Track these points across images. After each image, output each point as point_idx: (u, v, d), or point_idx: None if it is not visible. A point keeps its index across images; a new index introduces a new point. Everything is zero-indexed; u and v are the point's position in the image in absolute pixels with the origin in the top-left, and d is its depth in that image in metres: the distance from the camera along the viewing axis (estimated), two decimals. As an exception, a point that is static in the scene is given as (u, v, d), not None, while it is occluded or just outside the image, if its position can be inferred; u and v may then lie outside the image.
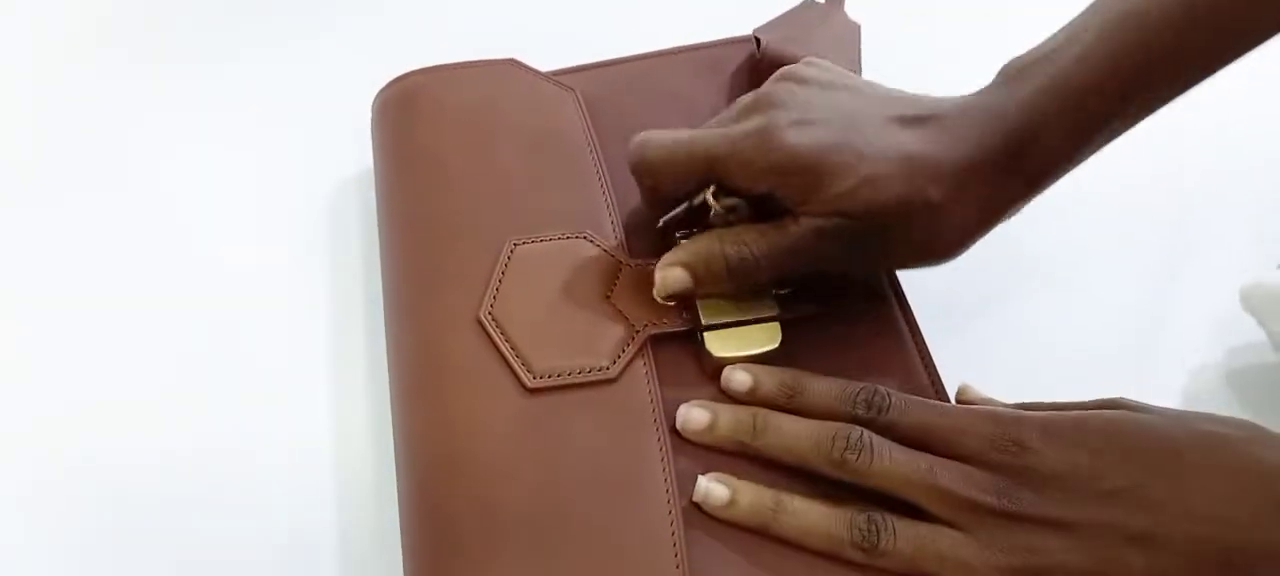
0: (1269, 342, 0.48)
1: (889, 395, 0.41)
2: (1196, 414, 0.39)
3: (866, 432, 0.39)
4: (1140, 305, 0.51)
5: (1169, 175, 0.57)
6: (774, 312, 0.44)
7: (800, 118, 0.42)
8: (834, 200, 0.41)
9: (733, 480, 0.40)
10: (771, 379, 0.42)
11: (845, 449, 0.39)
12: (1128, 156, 0.56)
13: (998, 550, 0.37)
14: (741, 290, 0.44)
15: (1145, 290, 0.52)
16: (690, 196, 0.45)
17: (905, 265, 0.46)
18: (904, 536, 0.38)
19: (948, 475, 0.38)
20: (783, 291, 0.45)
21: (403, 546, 0.40)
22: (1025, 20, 0.47)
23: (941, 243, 0.43)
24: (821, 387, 0.42)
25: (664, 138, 0.45)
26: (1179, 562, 0.35)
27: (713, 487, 0.40)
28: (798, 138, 0.42)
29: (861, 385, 0.41)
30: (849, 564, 0.38)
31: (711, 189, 0.44)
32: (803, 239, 0.42)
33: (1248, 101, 0.57)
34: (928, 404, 0.41)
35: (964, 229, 0.43)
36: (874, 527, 0.38)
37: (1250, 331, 0.48)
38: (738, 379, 0.43)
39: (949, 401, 0.44)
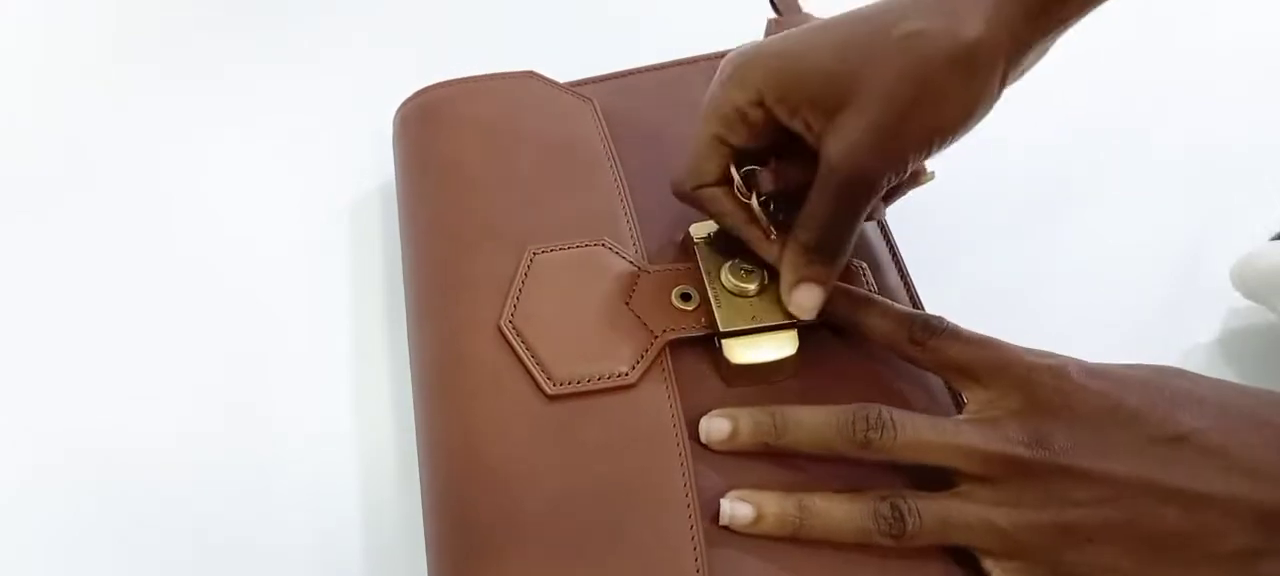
0: (1268, 321, 0.48)
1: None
2: (1234, 383, 0.38)
3: (886, 409, 0.39)
4: (1134, 296, 0.52)
5: (1147, 162, 0.58)
6: (791, 319, 0.44)
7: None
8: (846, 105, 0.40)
9: (754, 494, 0.40)
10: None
11: (867, 428, 0.39)
12: (1107, 148, 0.58)
13: (1028, 507, 0.36)
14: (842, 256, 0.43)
15: (1139, 279, 0.53)
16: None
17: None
18: (929, 514, 0.38)
19: (976, 433, 0.38)
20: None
21: (427, 551, 0.41)
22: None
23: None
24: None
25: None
26: (1215, 519, 0.35)
27: (737, 509, 0.40)
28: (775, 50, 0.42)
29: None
30: (869, 560, 0.39)
31: (735, 182, 0.44)
32: (831, 171, 0.40)
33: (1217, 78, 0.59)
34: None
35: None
36: (898, 512, 0.38)
37: (1245, 311, 0.49)
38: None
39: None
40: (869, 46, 0.40)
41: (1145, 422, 0.36)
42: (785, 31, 0.43)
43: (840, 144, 0.40)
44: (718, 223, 0.46)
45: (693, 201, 0.46)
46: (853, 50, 0.40)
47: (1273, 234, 0.48)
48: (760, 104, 0.42)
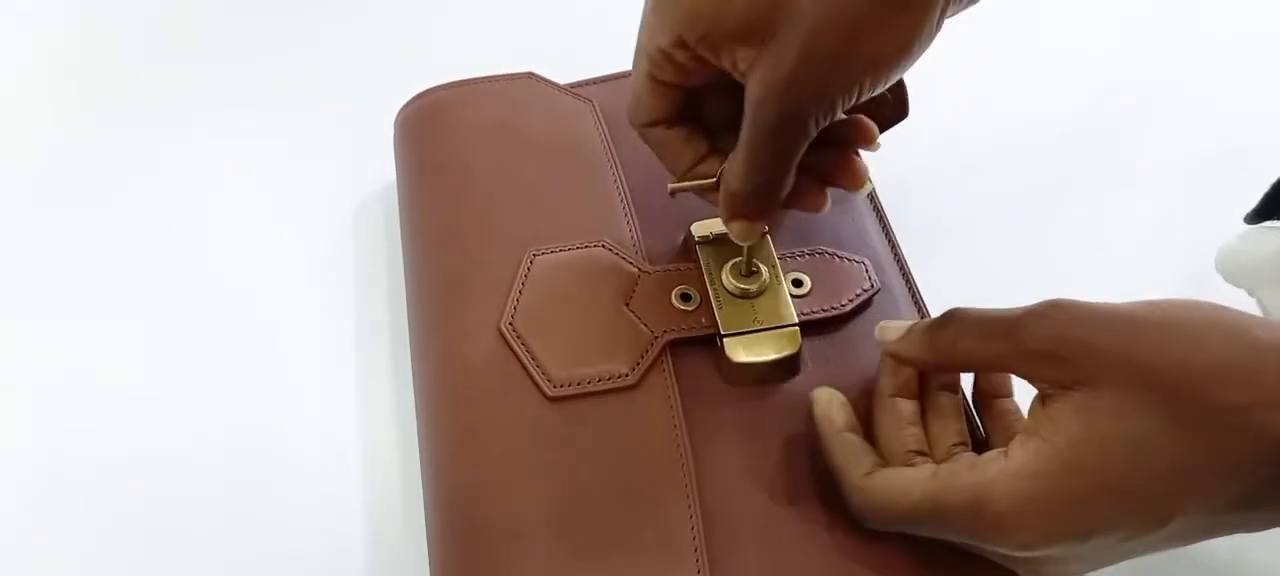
0: (1255, 308, 0.47)
1: None
2: None
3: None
4: (1131, 292, 0.52)
5: (1129, 131, 0.59)
6: (793, 320, 0.44)
7: None
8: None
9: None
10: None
11: None
12: (1088, 118, 0.59)
13: None
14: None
15: (1137, 277, 0.51)
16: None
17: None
18: None
19: None
20: (799, 292, 0.45)
21: (429, 552, 0.41)
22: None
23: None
24: None
25: None
26: None
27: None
28: None
29: None
30: (873, 561, 0.39)
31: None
32: (756, 111, 0.37)
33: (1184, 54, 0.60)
34: None
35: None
36: None
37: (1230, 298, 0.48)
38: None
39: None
40: None
41: None
42: None
43: (763, 82, 0.37)
44: (660, 160, 0.44)
45: (643, 137, 0.44)
46: None
47: (1245, 215, 0.47)
48: (683, 45, 0.38)
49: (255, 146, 0.58)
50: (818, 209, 0.42)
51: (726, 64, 0.38)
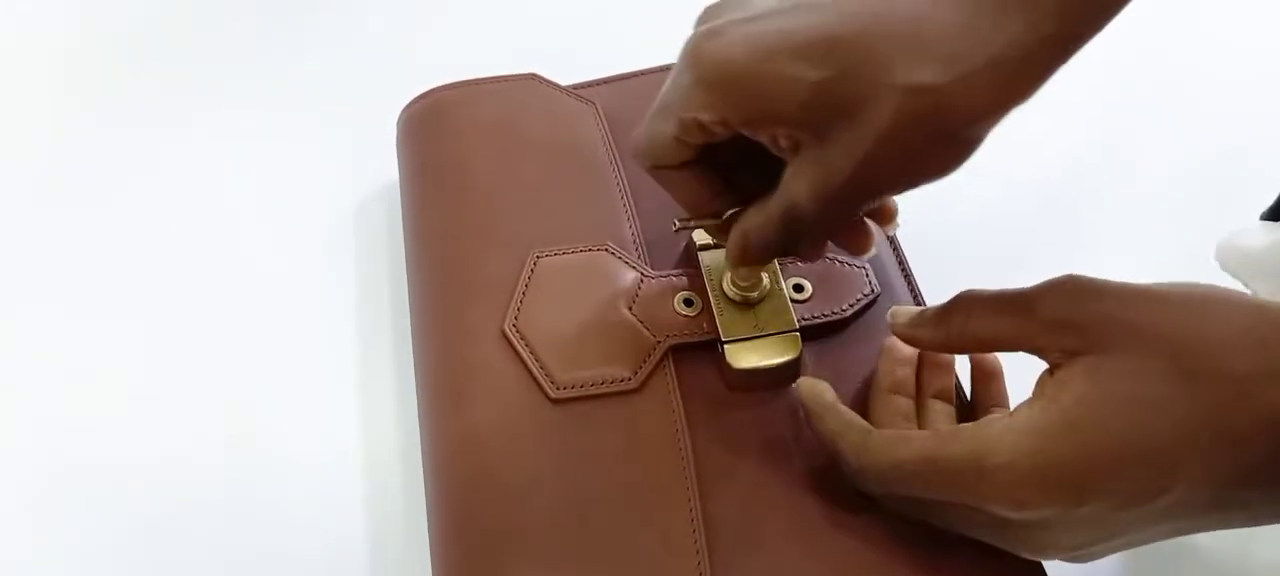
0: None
1: None
2: None
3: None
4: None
5: (1130, 135, 0.59)
6: (794, 326, 0.44)
7: (719, 24, 0.36)
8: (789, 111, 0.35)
9: None
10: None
11: None
12: (1089, 121, 0.59)
13: None
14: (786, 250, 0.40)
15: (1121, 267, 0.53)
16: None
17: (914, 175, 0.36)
18: None
19: None
20: (800, 297, 0.45)
21: (431, 554, 0.41)
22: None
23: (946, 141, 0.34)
24: None
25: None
26: None
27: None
28: (718, 45, 0.36)
29: None
30: (876, 563, 0.39)
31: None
32: (796, 200, 0.37)
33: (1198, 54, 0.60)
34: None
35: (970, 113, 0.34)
36: None
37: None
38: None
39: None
40: (861, 86, 0.34)
41: None
42: (760, 18, 0.36)
43: (812, 182, 0.36)
44: (670, 195, 0.42)
45: (652, 176, 0.42)
46: (843, 85, 0.34)
47: (1261, 213, 0.48)
48: (724, 123, 0.37)
49: (255, 146, 0.58)
50: (814, 260, 0.42)
51: (764, 139, 0.37)
